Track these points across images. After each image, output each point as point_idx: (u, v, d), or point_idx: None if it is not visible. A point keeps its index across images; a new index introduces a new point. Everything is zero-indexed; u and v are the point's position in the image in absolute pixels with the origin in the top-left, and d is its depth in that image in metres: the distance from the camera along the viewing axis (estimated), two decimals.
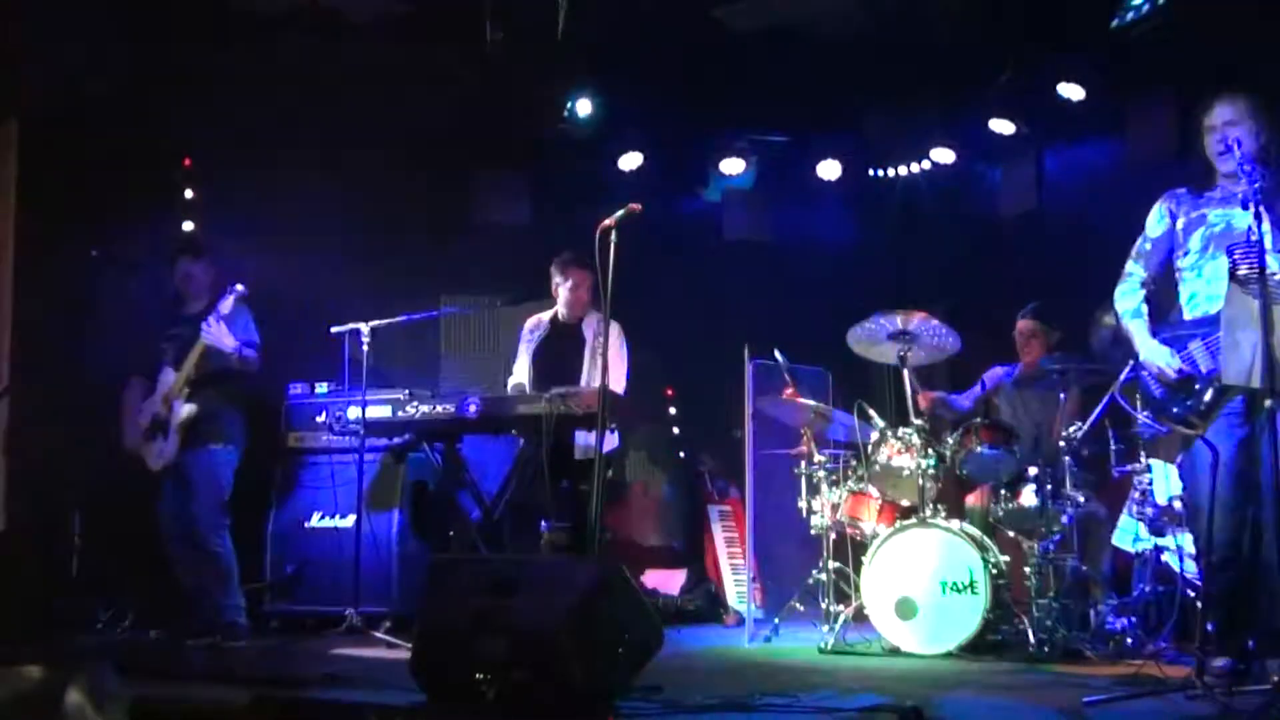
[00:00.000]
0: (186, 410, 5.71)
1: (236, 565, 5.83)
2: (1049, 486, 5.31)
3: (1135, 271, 4.48)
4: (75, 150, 6.69)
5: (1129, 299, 4.45)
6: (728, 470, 7.48)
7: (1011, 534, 5.60)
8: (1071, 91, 6.84)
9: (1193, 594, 4.93)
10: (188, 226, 6.99)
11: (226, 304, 5.74)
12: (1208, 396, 4.11)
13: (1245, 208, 3.82)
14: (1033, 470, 5.39)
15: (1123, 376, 4.79)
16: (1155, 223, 4.45)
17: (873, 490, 5.83)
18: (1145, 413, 4.68)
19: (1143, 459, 5.30)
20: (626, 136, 7.87)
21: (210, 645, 5.54)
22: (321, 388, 6.72)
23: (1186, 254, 4.34)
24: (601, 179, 7.95)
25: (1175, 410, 4.23)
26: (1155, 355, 4.27)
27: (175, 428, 5.72)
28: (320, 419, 6.56)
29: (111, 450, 6.14)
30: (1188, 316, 4.30)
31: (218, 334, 5.69)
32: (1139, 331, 4.38)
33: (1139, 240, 4.49)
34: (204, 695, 4.04)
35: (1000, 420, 6.03)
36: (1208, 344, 4.14)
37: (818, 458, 6.03)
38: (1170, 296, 4.44)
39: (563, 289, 6.13)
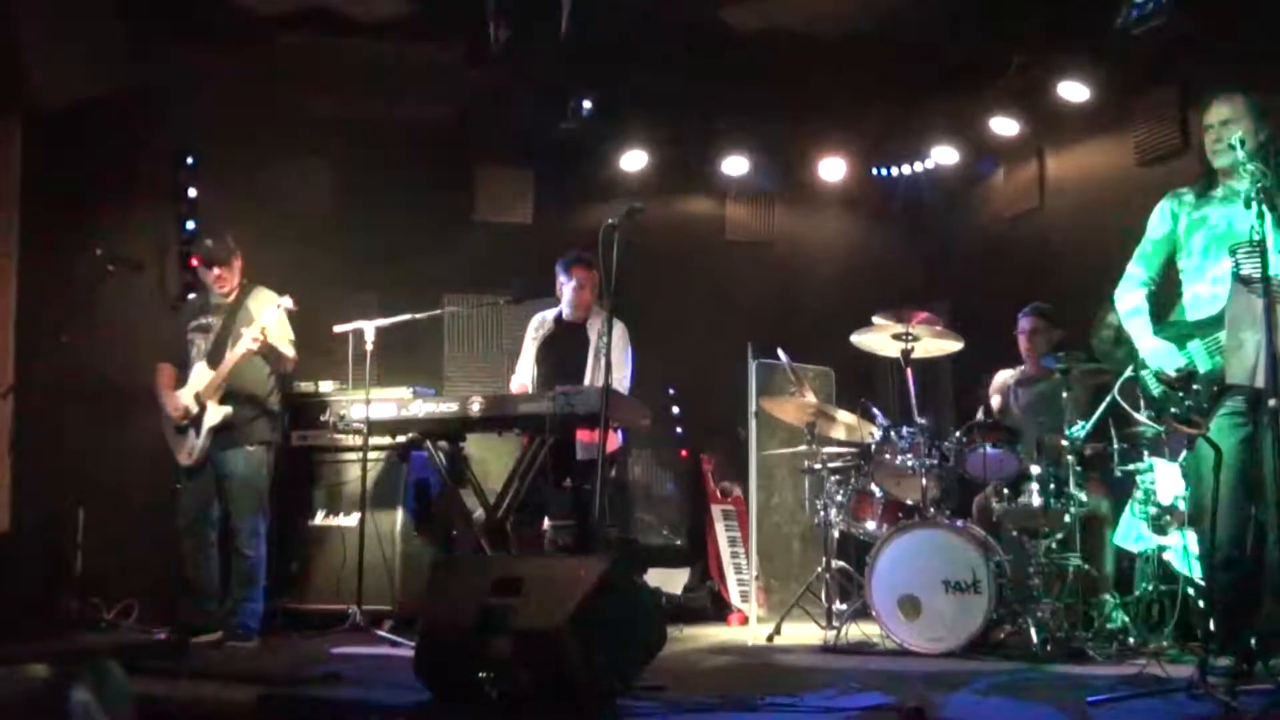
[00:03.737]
0: (221, 413, 5.72)
1: (264, 570, 5.86)
2: (1052, 486, 5.31)
3: (1136, 272, 4.49)
4: (78, 148, 6.70)
5: (1129, 298, 4.46)
6: (731, 469, 7.48)
7: (1014, 533, 5.61)
8: (1074, 91, 6.84)
9: (1195, 593, 4.92)
10: (190, 225, 6.99)
11: (272, 315, 5.76)
12: (1208, 396, 4.12)
13: (1247, 207, 3.81)
14: (1035, 469, 5.39)
15: (1124, 375, 4.80)
16: (1157, 223, 4.45)
17: (876, 489, 5.84)
18: (1147, 412, 4.69)
19: (1145, 458, 5.30)
20: (630, 136, 7.87)
21: (215, 644, 5.56)
22: (326, 386, 6.74)
23: (1189, 255, 4.34)
24: (605, 178, 7.96)
25: (1175, 409, 4.23)
26: (1156, 353, 4.28)
27: (207, 429, 5.73)
28: (324, 418, 6.57)
29: (113, 448, 6.16)
30: (1190, 317, 4.30)
31: (268, 341, 5.73)
32: (1139, 329, 4.38)
33: (1141, 241, 4.50)
34: (209, 694, 4.05)
35: (1003, 420, 6.03)
36: (1208, 344, 4.15)
37: (821, 456, 6.03)
38: (1172, 297, 4.45)
39: (567, 288, 6.14)
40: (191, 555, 5.81)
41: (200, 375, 5.82)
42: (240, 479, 5.79)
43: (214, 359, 5.80)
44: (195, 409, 5.77)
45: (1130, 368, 4.62)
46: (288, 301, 5.85)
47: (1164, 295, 4.48)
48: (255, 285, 6.03)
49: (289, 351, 5.92)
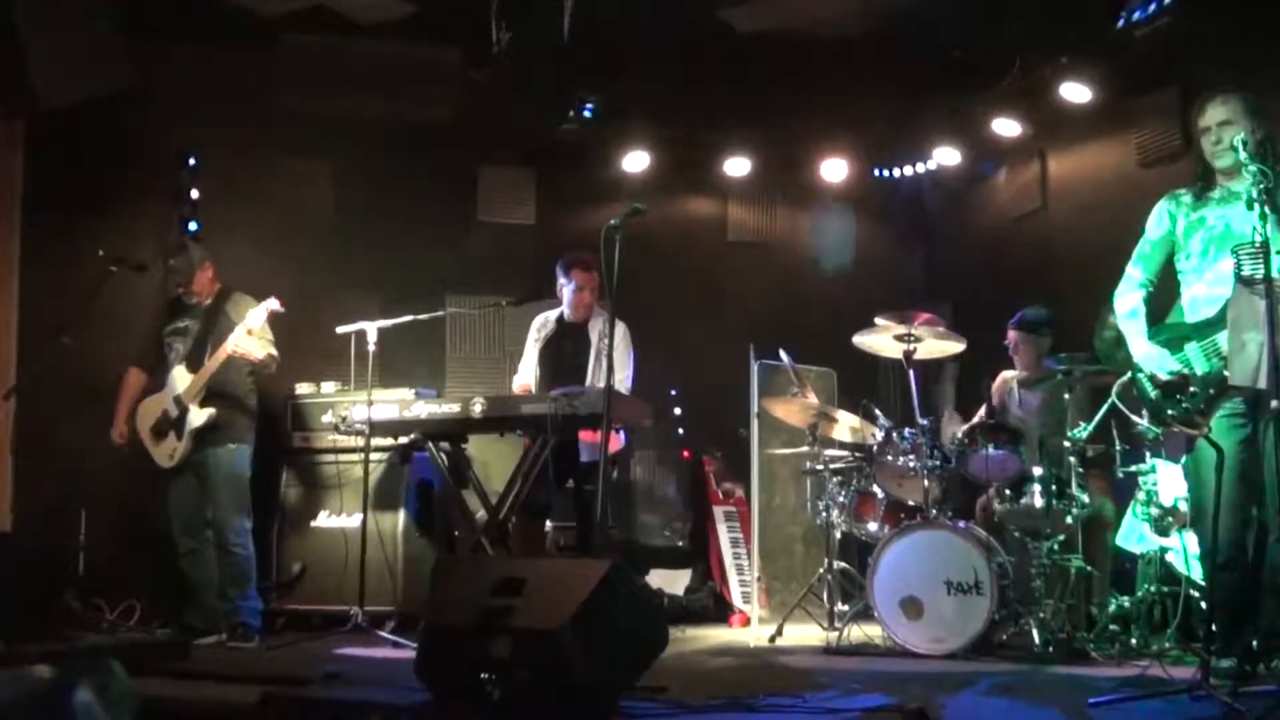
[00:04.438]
0: (205, 415, 5.75)
1: (255, 567, 5.90)
2: (1054, 487, 5.31)
3: (1135, 274, 4.49)
4: (80, 150, 6.70)
5: (1127, 300, 4.47)
6: (733, 470, 7.48)
7: (1017, 534, 5.61)
8: (1076, 92, 6.84)
9: (1197, 595, 4.92)
10: (192, 226, 7.00)
11: (258, 317, 5.77)
12: (1204, 398, 4.12)
13: (1250, 208, 3.81)
14: (1038, 471, 5.39)
15: (1123, 378, 4.80)
16: (1155, 224, 4.46)
17: (878, 490, 5.84)
18: (1145, 414, 4.69)
19: (1148, 459, 5.30)
20: (631, 136, 7.88)
21: (217, 644, 5.58)
22: (327, 387, 6.74)
23: (1187, 256, 4.34)
24: (607, 179, 7.96)
25: (1170, 411, 4.24)
26: (1148, 358, 4.28)
27: (189, 431, 5.75)
28: (326, 419, 6.57)
29: (115, 449, 6.15)
30: (1189, 319, 4.30)
31: (248, 345, 5.74)
32: (1134, 333, 4.39)
33: (1140, 242, 4.50)
34: (211, 694, 4.05)
35: (1005, 421, 6.03)
36: (1205, 346, 4.15)
37: (823, 458, 6.03)
38: (1172, 298, 4.45)
39: (567, 290, 6.15)
40: (189, 556, 5.84)
41: (180, 378, 5.84)
42: (224, 477, 5.81)
43: (194, 362, 5.83)
44: (175, 412, 5.80)
45: (1129, 370, 4.61)
46: (273, 303, 5.86)
47: (1164, 295, 4.48)
48: (233, 290, 6.05)
49: (272, 352, 5.92)
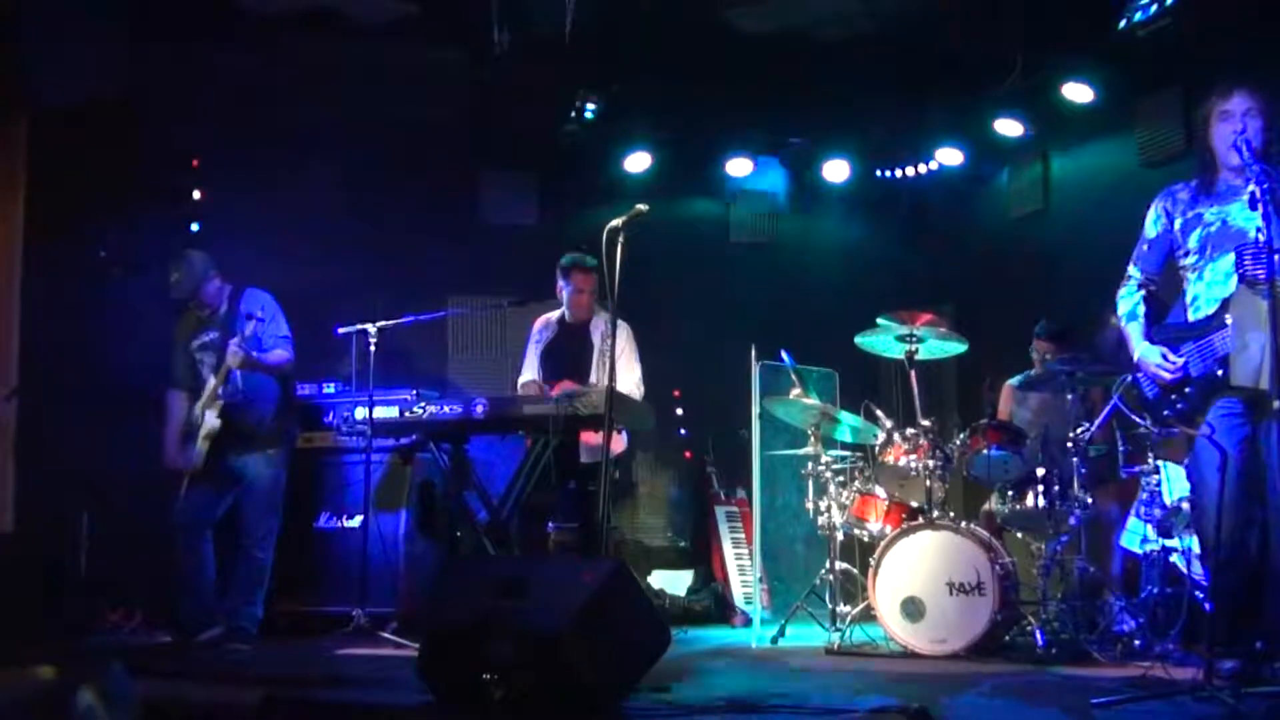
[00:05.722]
0: (212, 422, 5.71)
1: (269, 577, 5.86)
2: (1057, 488, 5.30)
3: (1134, 274, 4.50)
4: (82, 150, 6.71)
5: (1127, 301, 4.48)
6: (734, 471, 7.48)
7: (1019, 535, 5.59)
8: (1078, 92, 6.84)
9: (1201, 595, 4.92)
10: (194, 227, 7.00)
11: (250, 326, 5.74)
12: (1202, 398, 4.12)
13: (1254, 209, 3.81)
14: (1040, 471, 5.38)
15: (1122, 379, 4.80)
16: (1151, 223, 4.47)
17: (880, 491, 5.84)
18: (1147, 415, 4.69)
19: (1151, 460, 5.29)
20: (634, 138, 7.89)
21: (214, 644, 5.54)
22: (329, 388, 6.73)
23: (1187, 254, 4.34)
24: (609, 180, 7.97)
25: (1167, 411, 4.24)
26: (1149, 356, 4.29)
27: (203, 435, 5.72)
28: (328, 419, 6.57)
29: (119, 450, 6.16)
30: (1190, 318, 4.30)
31: (240, 357, 5.70)
32: (1134, 333, 4.40)
33: (1138, 241, 4.51)
34: (213, 696, 4.05)
35: (1007, 421, 6.02)
36: (1201, 346, 4.15)
37: (825, 458, 6.03)
38: (1175, 297, 4.45)
39: (566, 292, 6.15)
40: (186, 555, 5.77)
41: (209, 388, 5.81)
42: (259, 482, 5.78)
43: (217, 369, 5.81)
44: (200, 419, 5.77)
45: (1130, 371, 4.61)
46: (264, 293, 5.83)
47: (1166, 293, 4.48)
48: (245, 288, 5.98)
49: (281, 350, 5.85)
